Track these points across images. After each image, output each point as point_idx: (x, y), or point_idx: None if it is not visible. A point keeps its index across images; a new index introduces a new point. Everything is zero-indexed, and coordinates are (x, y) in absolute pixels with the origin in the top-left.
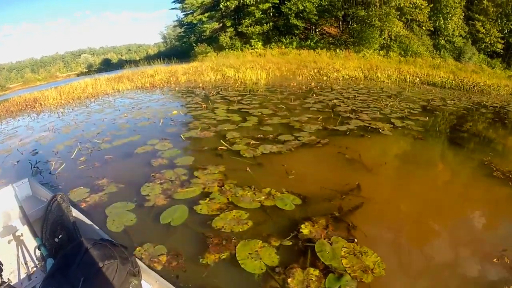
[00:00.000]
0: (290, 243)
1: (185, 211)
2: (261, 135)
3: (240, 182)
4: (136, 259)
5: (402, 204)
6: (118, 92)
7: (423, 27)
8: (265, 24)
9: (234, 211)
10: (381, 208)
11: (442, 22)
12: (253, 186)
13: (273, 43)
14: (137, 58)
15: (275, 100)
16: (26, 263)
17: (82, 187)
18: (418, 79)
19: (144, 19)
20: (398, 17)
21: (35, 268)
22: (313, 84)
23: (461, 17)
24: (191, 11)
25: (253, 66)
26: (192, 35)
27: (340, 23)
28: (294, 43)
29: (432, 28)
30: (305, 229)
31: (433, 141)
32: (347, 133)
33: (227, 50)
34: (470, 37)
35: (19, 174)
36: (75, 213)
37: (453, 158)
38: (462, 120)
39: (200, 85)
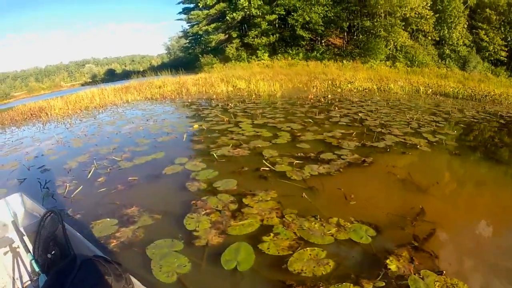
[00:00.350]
0: (383, 284)
1: (249, 252)
2: (301, 154)
3: (301, 211)
4: (130, 276)
5: (475, 227)
6: (127, 103)
7: (429, 37)
8: (271, 36)
9: (308, 248)
10: (455, 233)
11: (446, 32)
12: (318, 216)
13: (279, 54)
14: (141, 69)
15: (298, 113)
16: (18, 279)
17: (107, 218)
18: (430, 90)
19: (148, 30)
20: (403, 27)
21: (27, 284)
22: (330, 96)
23: (465, 26)
24: (196, 22)
25: (263, 78)
26: (197, 46)
27: (345, 34)
28: (301, 54)
29: (437, 38)
30: (392, 265)
31: (473, 156)
32: (388, 150)
33: (233, 61)
34: (474, 46)
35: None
36: (68, 229)
37: (503, 175)
38: (489, 133)
39: (214, 96)
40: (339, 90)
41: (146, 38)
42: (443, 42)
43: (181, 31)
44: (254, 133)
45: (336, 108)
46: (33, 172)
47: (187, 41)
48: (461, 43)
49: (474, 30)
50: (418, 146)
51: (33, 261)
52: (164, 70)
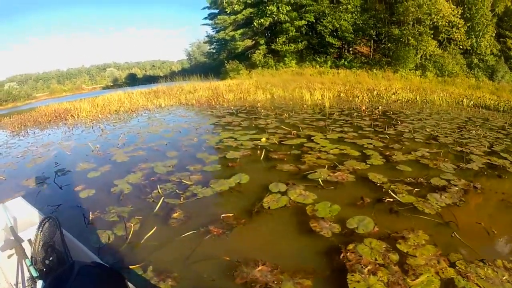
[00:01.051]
0: None
1: None
2: (410, 179)
3: (467, 256)
4: (129, 283)
5: None
6: (161, 108)
7: (458, 46)
8: (299, 42)
9: None
10: None
11: (474, 41)
12: (485, 260)
13: (307, 62)
14: (161, 74)
15: (364, 127)
16: (15, 284)
17: None
18: (471, 102)
19: (168, 36)
20: (432, 35)
21: None
22: (380, 108)
23: (493, 34)
24: (223, 27)
25: (300, 86)
26: (222, 52)
27: (372, 42)
28: (329, 62)
29: (469, 47)
30: None
31: None
32: (485, 173)
33: (259, 68)
34: (501, 55)
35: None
36: (66, 235)
37: None
38: None
39: (258, 105)
40: (383, 101)
41: (167, 44)
42: (471, 51)
43: (206, 36)
44: (338, 150)
45: (400, 122)
46: (68, 195)
47: (212, 46)
48: (489, 52)
49: (502, 39)
50: (507, 168)
51: (31, 267)
52: (186, 75)
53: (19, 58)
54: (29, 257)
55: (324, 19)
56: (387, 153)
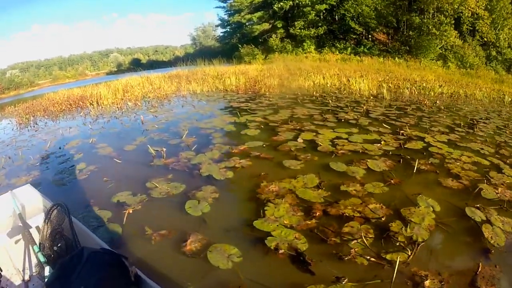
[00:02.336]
0: None
1: None
2: None
3: None
4: (137, 269)
5: None
6: (197, 95)
7: (485, 39)
8: (319, 27)
9: None
10: None
11: (493, 33)
12: None
13: (326, 48)
14: (164, 59)
15: (455, 127)
16: (23, 270)
17: None
18: (510, 99)
19: (171, 21)
20: (453, 26)
21: (33, 275)
22: (438, 102)
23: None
24: (238, 10)
25: (336, 73)
26: (235, 35)
27: (389, 30)
28: (349, 49)
29: (493, 40)
30: None
31: None
32: None
33: (276, 53)
34: None
35: None
36: (75, 222)
37: None
38: None
39: (314, 92)
40: (432, 94)
41: (169, 29)
42: (490, 43)
43: (219, 19)
44: (467, 158)
45: (475, 120)
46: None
47: (224, 30)
48: (507, 45)
49: None
50: None
51: (39, 253)
52: (195, 60)
53: (20, 45)
54: (37, 244)
55: (346, 3)
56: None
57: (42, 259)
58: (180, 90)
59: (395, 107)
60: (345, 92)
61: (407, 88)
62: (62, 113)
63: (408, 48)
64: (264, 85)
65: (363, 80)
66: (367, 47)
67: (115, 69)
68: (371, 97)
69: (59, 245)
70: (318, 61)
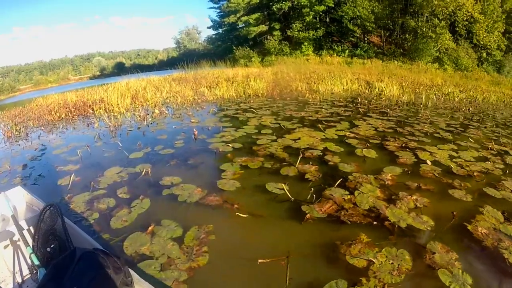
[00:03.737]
0: None
1: None
2: None
3: None
4: (129, 269)
5: None
6: (227, 100)
7: (481, 41)
8: (318, 29)
9: None
10: None
11: (489, 36)
12: None
13: (324, 50)
14: (146, 63)
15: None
16: (17, 273)
17: None
18: None
19: (153, 24)
20: (447, 29)
21: (26, 278)
22: (471, 109)
23: (501, 30)
24: (234, 11)
25: (356, 78)
26: (228, 37)
27: (382, 32)
28: (347, 51)
29: (488, 43)
30: None
31: None
32: None
33: (273, 55)
34: (508, 50)
35: None
36: (67, 222)
37: None
38: None
39: (352, 98)
40: (456, 99)
41: (151, 33)
42: (480, 46)
43: (211, 21)
44: None
45: None
46: None
47: (217, 32)
48: (496, 47)
49: (507, 35)
50: None
51: (32, 255)
52: (183, 63)
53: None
54: (30, 245)
55: (343, 6)
56: None
57: (35, 261)
58: (200, 94)
59: (454, 116)
60: (376, 97)
61: (434, 94)
62: (62, 123)
63: (402, 50)
64: (295, 89)
65: (387, 84)
66: (364, 49)
67: (99, 73)
68: (405, 104)
69: (52, 246)
70: (320, 64)
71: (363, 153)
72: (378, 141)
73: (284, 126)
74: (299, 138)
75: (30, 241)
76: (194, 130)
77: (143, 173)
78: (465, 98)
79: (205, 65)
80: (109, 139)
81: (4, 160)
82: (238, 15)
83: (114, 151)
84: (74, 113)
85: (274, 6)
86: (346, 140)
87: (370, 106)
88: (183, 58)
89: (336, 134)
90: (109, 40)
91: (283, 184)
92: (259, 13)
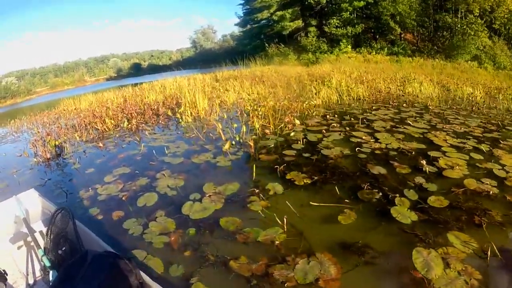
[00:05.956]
0: None
1: None
2: None
3: None
4: (140, 271)
5: None
6: (338, 105)
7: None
8: (357, 25)
9: None
10: None
11: None
12: None
13: (362, 48)
14: (161, 64)
15: None
16: (28, 274)
17: None
18: None
19: (162, 27)
20: (484, 26)
21: (38, 279)
22: None
23: None
24: (268, 5)
25: (427, 80)
26: (258, 35)
27: (417, 29)
28: (386, 49)
29: None
30: None
31: None
32: None
33: (310, 53)
34: None
35: None
36: (79, 225)
37: None
38: None
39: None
40: None
41: (162, 35)
42: None
43: (238, 17)
44: None
45: None
46: None
47: (245, 29)
48: None
49: None
50: None
51: (44, 257)
52: (207, 63)
53: (14, 54)
54: (42, 248)
55: (383, 2)
56: None
57: (47, 263)
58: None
59: None
60: (470, 105)
61: None
62: (129, 134)
63: (436, 48)
64: (385, 92)
65: (460, 87)
66: (401, 47)
67: (115, 75)
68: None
69: (63, 249)
70: (367, 63)
71: None
72: None
73: None
74: None
75: (42, 243)
76: None
77: None
78: None
79: (230, 64)
80: None
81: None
82: (271, 10)
83: None
84: (139, 119)
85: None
86: None
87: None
88: (200, 57)
89: None
90: (122, 42)
91: None
92: (294, 7)
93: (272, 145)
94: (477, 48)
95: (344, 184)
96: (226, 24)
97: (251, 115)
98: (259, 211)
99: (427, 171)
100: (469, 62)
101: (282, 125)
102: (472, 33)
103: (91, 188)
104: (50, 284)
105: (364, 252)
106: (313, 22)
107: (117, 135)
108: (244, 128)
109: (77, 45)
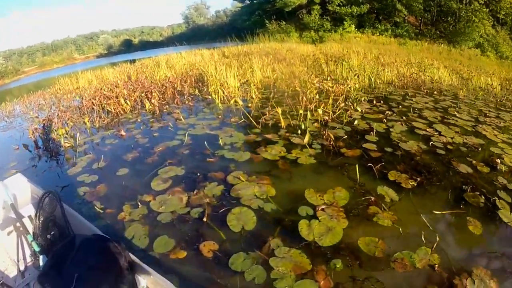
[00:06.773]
0: None
1: None
2: None
3: None
4: (129, 253)
5: None
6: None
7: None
8: (362, 5)
9: None
10: None
11: None
12: None
13: (366, 28)
14: (151, 39)
15: None
16: (18, 261)
17: None
18: None
19: (151, 2)
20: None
21: (28, 265)
22: None
23: None
24: None
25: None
26: (258, 11)
27: (420, 13)
28: (390, 31)
29: None
30: None
31: None
32: None
33: (312, 31)
34: None
35: None
36: (67, 209)
37: None
38: None
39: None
40: None
41: (151, 10)
42: None
43: None
44: None
45: None
46: None
47: (243, 5)
48: None
49: None
50: None
51: (33, 242)
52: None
53: (1, 34)
54: (31, 233)
55: None
56: None
57: (36, 248)
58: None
59: None
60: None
61: None
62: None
63: (439, 32)
64: (410, 79)
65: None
66: (404, 29)
67: (106, 52)
68: None
69: (52, 233)
70: (373, 44)
71: None
72: None
73: None
74: None
75: (30, 228)
76: None
77: None
78: None
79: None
80: None
81: None
82: None
83: None
84: (160, 100)
85: None
86: None
87: None
88: (192, 33)
89: None
90: (111, 19)
91: None
92: None
93: (346, 136)
94: (480, 36)
95: (444, 185)
96: (219, 0)
97: (301, 98)
98: (390, 226)
99: (502, 169)
100: (472, 49)
101: (339, 111)
102: (477, 20)
103: (139, 202)
104: (40, 269)
105: None
106: (317, 0)
107: (138, 119)
108: (309, 115)
109: (65, 22)
